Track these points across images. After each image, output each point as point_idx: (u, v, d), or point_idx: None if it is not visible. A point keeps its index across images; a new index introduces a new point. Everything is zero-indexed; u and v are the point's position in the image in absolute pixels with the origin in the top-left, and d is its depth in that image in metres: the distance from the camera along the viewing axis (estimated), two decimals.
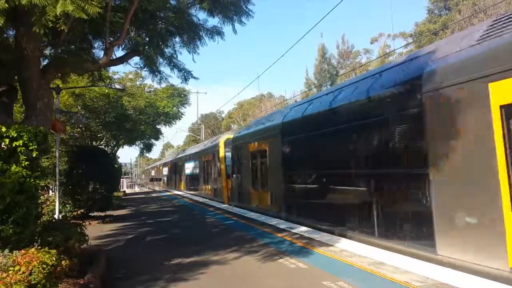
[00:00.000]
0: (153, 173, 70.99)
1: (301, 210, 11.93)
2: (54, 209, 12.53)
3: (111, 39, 8.10)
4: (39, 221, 6.52)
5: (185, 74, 9.71)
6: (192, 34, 9.05)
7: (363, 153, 8.73)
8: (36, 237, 5.93)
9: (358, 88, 9.32)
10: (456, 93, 6.05)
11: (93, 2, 5.22)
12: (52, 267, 4.67)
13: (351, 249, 7.80)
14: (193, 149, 33.99)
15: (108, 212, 16.17)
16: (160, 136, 34.54)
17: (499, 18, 6.24)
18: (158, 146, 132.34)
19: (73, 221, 11.04)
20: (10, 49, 7.40)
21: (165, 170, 51.92)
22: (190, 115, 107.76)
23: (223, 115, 77.25)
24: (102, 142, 29.15)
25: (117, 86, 17.25)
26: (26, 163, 5.58)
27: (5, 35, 7.76)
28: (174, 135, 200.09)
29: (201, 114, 72.64)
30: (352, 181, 9.15)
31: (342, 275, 6.13)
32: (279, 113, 15.11)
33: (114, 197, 18.74)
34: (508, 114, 5.26)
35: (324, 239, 8.95)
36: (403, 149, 7.38)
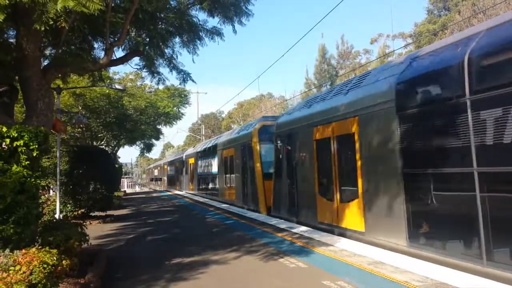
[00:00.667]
0: (156, 172, 67.12)
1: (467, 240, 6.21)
2: (55, 209, 12.56)
3: (112, 39, 8.13)
4: (39, 221, 6.53)
5: (184, 76, 9.74)
6: (192, 35, 9.07)
7: None
8: (36, 237, 5.95)
9: None
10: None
11: (94, 0, 5.23)
12: (53, 267, 4.69)
13: (351, 249, 7.81)
14: (207, 144, 27.85)
15: (108, 212, 16.20)
16: (161, 136, 34.67)
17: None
18: (158, 146, 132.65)
19: (74, 221, 11.06)
20: (11, 49, 7.42)
21: (171, 169, 47.11)
22: (190, 115, 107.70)
23: (223, 115, 77.38)
24: (102, 142, 29.20)
25: (118, 87, 17.27)
26: (27, 163, 5.59)
27: (5, 35, 7.79)
28: (174, 135, 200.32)
29: (201, 114, 72.77)
30: None
31: (342, 274, 6.14)
32: (387, 69, 8.80)
33: (114, 197, 18.77)
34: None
35: (324, 239, 8.96)
36: None
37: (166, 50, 9.36)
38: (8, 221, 5.21)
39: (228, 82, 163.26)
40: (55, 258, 4.87)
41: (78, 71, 8.70)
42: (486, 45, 6.02)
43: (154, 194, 36.71)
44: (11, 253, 4.76)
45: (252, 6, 8.88)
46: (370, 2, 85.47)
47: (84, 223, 8.30)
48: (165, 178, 51.50)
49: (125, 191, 40.00)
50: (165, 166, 52.96)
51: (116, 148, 32.30)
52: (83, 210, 14.96)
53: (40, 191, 6.87)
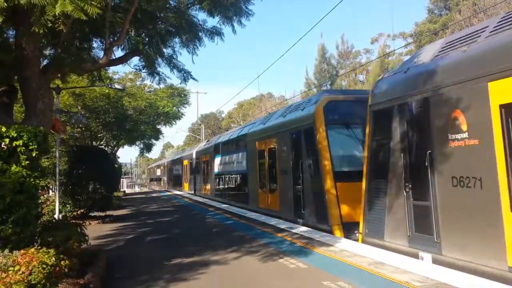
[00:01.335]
0: (158, 172, 62.54)
1: None
2: (54, 209, 12.55)
3: (111, 39, 8.11)
4: (39, 221, 6.52)
5: (185, 74, 9.70)
6: (192, 35, 9.06)
7: None
8: (36, 237, 5.94)
9: None
10: None
11: (92, 2, 5.22)
12: (52, 267, 4.67)
13: (351, 249, 7.81)
14: (229, 136, 22.12)
15: (108, 212, 16.18)
16: (160, 136, 34.58)
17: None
18: (158, 146, 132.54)
19: (73, 221, 11.04)
20: (10, 49, 7.41)
21: (176, 169, 41.77)
22: (190, 115, 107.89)
23: (223, 115, 77.37)
24: (102, 142, 29.18)
25: (117, 86, 17.25)
26: (26, 162, 5.59)
27: (5, 35, 7.77)
28: (174, 135, 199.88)
29: (201, 114, 72.71)
30: None
31: (342, 275, 6.13)
32: None
33: (114, 197, 18.76)
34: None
35: (324, 239, 8.95)
36: None
37: (166, 50, 9.34)
38: (7, 221, 5.20)
39: (228, 82, 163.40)
40: (54, 258, 4.86)
41: (77, 71, 8.68)
42: None
43: (154, 194, 36.69)
44: (10, 253, 4.75)
45: (252, 5, 8.87)
46: (370, 2, 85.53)
47: (84, 223, 8.30)
48: (170, 178, 47.10)
49: (124, 191, 40.00)
50: (169, 165, 48.86)
51: (115, 148, 32.27)
52: (82, 210, 14.95)
53: (40, 191, 6.87)
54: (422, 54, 7.88)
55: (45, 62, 8.66)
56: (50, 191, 17.91)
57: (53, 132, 10.96)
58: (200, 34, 9.16)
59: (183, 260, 7.79)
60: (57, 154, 12.68)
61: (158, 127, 31.40)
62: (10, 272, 4.27)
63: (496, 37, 6.01)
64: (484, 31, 6.44)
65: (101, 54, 8.76)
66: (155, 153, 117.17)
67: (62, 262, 5.17)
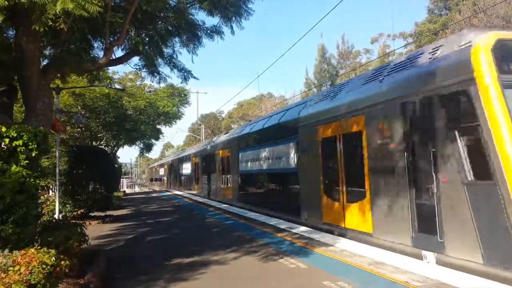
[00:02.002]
0: (161, 171, 56.42)
1: None
2: (54, 209, 12.54)
3: (111, 39, 8.10)
4: (39, 221, 6.52)
5: (185, 74, 9.71)
6: (192, 34, 9.06)
7: None
8: (36, 237, 5.93)
9: None
10: None
11: (93, 1, 5.22)
12: (52, 267, 4.67)
13: (351, 249, 7.80)
14: (265, 121, 16.09)
15: (108, 212, 16.17)
16: (160, 136, 34.61)
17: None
18: (158, 146, 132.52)
19: (73, 221, 11.04)
20: (10, 49, 7.41)
21: (186, 167, 35.71)
22: (190, 115, 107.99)
23: (223, 115, 77.30)
24: (102, 142, 29.19)
25: (117, 86, 17.24)
26: (26, 162, 5.58)
27: (5, 35, 7.77)
28: (174, 135, 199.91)
29: (201, 114, 72.62)
30: None
31: (342, 275, 6.13)
32: None
33: (114, 197, 18.75)
34: None
35: (324, 239, 8.95)
36: None
37: (166, 50, 9.34)
38: (7, 221, 5.19)
39: (228, 82, 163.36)
40: (54, 258, 4.85)
41: (77, 71, 8.69)
42: None
43: (154, 194, 36.69)
44: (10, 254, 4.74)
45: (251, 4, 8.87)
46: (370, 2, 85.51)
47: (84, 223, 8.29)
48: (175, 178, 42.53)
49: (124, 191, 39.98)
50: (174, 163, 43.26)
51: (115, 148, 32.28)
52: (82, 210, 14.94)
53: (40, 191, 6.87)
54: None
55: (45, 62, 8.66)
56: (50, 191, 17.90)
57: (53, 132, 10.95)
58: (200, 33, 9.16)
59: (183, 260, 7.78)
60: (57, 154, 12.68)
61: (158, 127, 31.42)
62: (10, 272, 4.27)
63: None
64: None
65: (101, 54, 8.77)
66: (155, 153, 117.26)
67: (62, 262, 5.17)
